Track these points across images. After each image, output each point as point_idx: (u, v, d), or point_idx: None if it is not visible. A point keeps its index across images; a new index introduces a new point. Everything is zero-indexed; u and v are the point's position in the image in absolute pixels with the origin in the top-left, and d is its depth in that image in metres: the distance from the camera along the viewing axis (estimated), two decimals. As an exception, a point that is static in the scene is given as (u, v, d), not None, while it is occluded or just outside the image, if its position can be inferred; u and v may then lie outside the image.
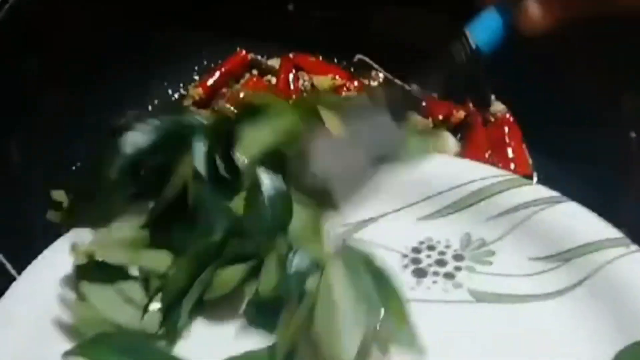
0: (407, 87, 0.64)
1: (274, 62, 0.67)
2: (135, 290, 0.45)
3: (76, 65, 0.59)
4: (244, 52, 0.67)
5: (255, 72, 0.67)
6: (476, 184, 0.48)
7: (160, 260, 0.45)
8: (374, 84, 0.65)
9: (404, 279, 0.46)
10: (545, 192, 0.48)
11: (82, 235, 0.46)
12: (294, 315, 0.41)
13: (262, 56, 0.67)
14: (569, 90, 0.58)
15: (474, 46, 0.52)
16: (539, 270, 0.46)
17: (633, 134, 0.55)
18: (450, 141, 0.62)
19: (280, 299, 0.42)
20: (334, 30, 0.65)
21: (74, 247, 0.45)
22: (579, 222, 0.46)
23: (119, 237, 0.46)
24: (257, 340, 0.43)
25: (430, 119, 0.63)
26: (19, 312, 0.45)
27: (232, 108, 0.62)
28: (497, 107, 0.63)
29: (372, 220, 0.49)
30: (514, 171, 0.58)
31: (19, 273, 0.46)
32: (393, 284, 0.43)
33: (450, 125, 0.63)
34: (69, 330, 0.44)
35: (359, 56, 0.66)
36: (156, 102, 0.65)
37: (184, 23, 0.64)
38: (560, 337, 0.44)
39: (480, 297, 0.46)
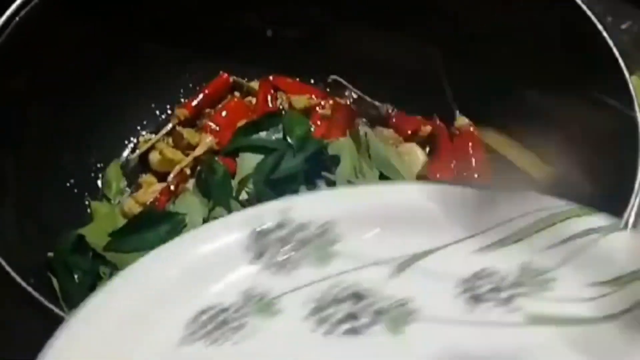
0: (378, 104, 0.69)
1: (254, 84, 0.69)
2: None
3: (69, 84, 0.61)
4: (226, 75, 0.69)
5: (236, 93, 0.69)
6: (537, 214, 0.48)
7: None
8: (347, 102, 0.69)
9: (456, 306, 0.46)
10: (602, 220, 0.47)
11: None
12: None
13: (243, 78, 0.69)
14: (522, 100, 0.61)
15: None
16: (598, 295, 0.46)
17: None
18: (419, 153, 0.65)
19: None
20: (309, 54, 0.68)
21: None
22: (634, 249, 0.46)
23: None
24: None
25: (400, 133, 0.67)
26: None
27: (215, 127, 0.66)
28: (462, 121, 0.66)
29: (430, 251, 0.48)
30: (477, 179, 0.62)
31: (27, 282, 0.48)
32: None
33: (418, 139, 0.66)
34: None
35: (333, 77, 0.69)
36: (145, 122, 0.68)
37: (172, 49, 0.67)
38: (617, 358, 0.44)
39: (537, 320, 0.45)
